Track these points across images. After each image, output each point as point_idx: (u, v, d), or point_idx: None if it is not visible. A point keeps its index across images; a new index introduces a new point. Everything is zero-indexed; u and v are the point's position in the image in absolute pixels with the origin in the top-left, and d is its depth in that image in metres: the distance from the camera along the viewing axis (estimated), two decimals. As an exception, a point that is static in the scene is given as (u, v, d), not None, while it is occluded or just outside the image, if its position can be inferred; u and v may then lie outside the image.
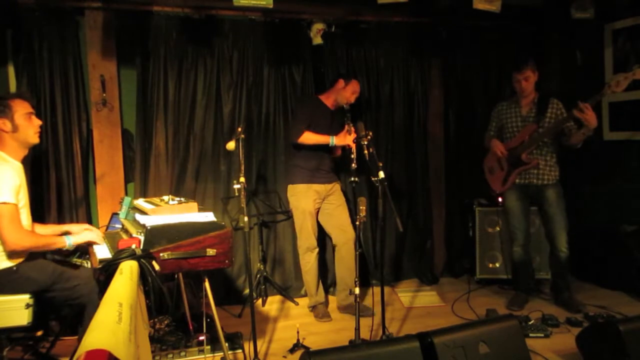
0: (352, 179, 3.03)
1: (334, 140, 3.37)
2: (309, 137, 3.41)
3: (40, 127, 2.54)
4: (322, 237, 3.78)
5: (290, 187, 3.58)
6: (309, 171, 3.48)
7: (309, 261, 3.55)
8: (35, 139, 2.50)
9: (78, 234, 2.60)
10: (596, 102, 3.16)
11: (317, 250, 3.57)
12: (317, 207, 3.55)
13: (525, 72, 3.42)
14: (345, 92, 3.50)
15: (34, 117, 2.50)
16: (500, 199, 4.14)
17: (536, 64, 3.46)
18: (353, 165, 3.09)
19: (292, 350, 2.93)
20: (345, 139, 3.33)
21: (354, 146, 3.21)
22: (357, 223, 2.81)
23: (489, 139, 3.73)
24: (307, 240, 3.52)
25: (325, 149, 3.50)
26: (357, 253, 2.83)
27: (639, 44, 3.79)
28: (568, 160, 3.69)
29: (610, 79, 3.13)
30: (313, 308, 3.61)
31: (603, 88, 3.12)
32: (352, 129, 3.33)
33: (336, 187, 3.63)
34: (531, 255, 3.76)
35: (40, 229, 2.67)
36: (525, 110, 3.53)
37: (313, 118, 3.47)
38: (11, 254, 2.32)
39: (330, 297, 3.93)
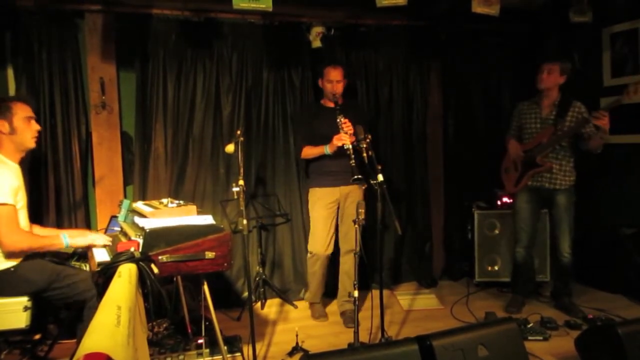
0: (355, 177, 2.92)
1: (327, 149, 3.29)
2: (307, 152, 3.45)
3: (39, 132, 2.54)
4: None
5: (310, 190, 3.57)
6: (325, 174, 3.43)
7: (312, 266, 3.52)
8: (31, 144, 2.50)
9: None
10: (612, 108, 3.14)
11: (323, 257, 3.46)
12: (334, 212, 3.46)
13: (552, 65, 3.35)
14: (325, 87, 3.47)
15: (33, 121, 2.51)
16: (499, 202, 4.16)
17: (569, 68, 3.39)
18: (352, 162, 3.00)
19: (291, 354, 2.93)
20: (334, 143, 3.19)
21: (348, 142, 3.09)
22: (356, 226, 2.81)
23: (509, 138, 3.69)
24: (314, 247, 3.48)
25: (341, 149, 3.23)
26: (356, 256, 2.83)
27: (636, 48, 3.80)
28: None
29: (629, 84, 3.11)
30: (311, 305, 3.66)
31: (622, 94, 3.08)
32: (345, 121, 3.16)
33: (356, 191, 3.44)
34: (533, 258, 3.75)
35: (38, 230, 2.67)
36: (546, 112, 3.48)
37: (311, 127, 3.45)
38: (9, 255, 2.32)
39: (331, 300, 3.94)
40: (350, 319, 3.30)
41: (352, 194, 3.45)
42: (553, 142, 3.37)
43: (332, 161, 3.38)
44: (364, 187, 3.47)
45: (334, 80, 3.39)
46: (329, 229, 3.45)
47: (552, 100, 3.46)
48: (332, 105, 3.39)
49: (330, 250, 3.48)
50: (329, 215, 3.45)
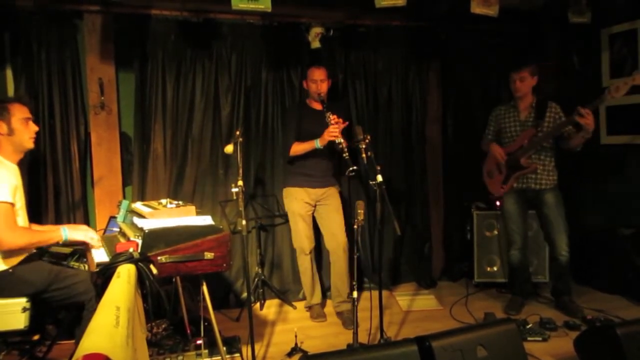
0: (350, 169, 2.87)
1: (318, 143, 3.28)
2: (296, 149, 3.43)
3: (37, 133, 2.54)
4: (321, 240, 3.76)
5: (284, 189, 3.62)
6: (300, 175, 3.49)
7: (302, 263, 3.58)
8: (30, 144, 2.51)
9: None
10: (596, 107, 3.17)
11: (311, 253, 3.56)
12: (310, 210, 3.55)
13: (521, 73, 3.43)
14: (310, 88, 3.48)
15: (31, 122, 2.51)
16: (498, 203, 4.16)
17: (538, 68, 3.47)
18: (345, 155, 2.98)
19: (290, 354, 2.93)
20: (325, 137, 3.20)
21: (338, 136, 3.10)
22: (355, 227, 2.81)
23: (487, 142, 3.74)
24: (299, 243, 3.55)
25: (325, 151, 3.40)
26: (355, 257, 2.82)
27: (635, 49, 3.81)
28: (565, 164, 3.70)
29: (610, 84, 3.15)
30: (309, 308, 3.66)
31: (603, 93, 3.12)
32: (334, 117, 3.17)
33: (332, 191, 3.56)
34: (528, 258, 3.76)
35: (37, 228, 2.66)
36: (524, 114, 3.53)
37: (300, 125, 3.47)
38: (7, 255, 2.32)
39: (328, 301, 3.93)
40: (350, 320, 3.30)
41: (329, 196, 3.53)
42: (535, 143, 3.42)
43: (312, 163, 3.45)
44: (339, 190, 3.60)
45: (317, 80, 3.42)
46: (309, 223, 3.55)
47: (529, 102, 3.52)
48: (317, 105, 3.43)
49: (313, 243, 3.57)
50: (306, 212, 3.52)
